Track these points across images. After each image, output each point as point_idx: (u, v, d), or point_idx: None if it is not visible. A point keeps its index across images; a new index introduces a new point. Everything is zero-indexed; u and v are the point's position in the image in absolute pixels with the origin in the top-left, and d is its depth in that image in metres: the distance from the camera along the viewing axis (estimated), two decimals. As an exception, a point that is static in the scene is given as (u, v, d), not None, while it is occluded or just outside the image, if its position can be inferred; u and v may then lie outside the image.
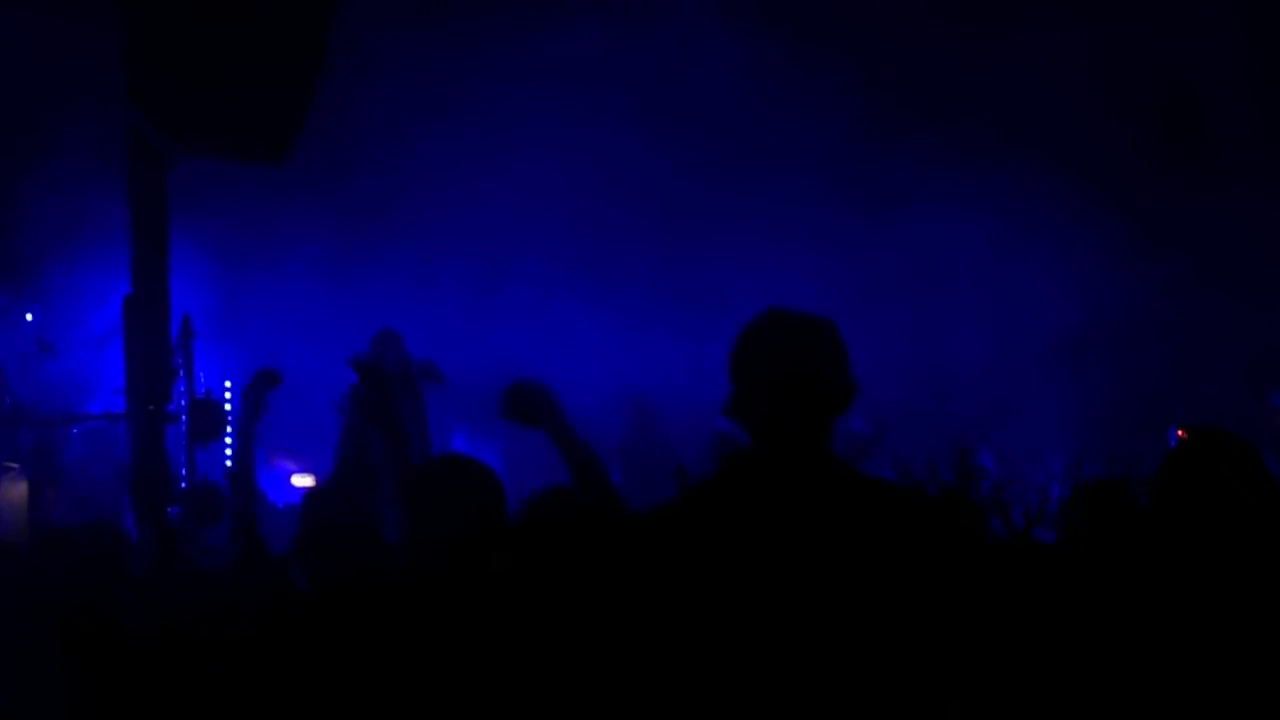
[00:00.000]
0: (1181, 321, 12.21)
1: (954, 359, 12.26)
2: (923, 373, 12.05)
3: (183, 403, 7.64)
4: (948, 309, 12.53)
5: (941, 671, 3.07)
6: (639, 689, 3.15)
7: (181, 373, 7.35)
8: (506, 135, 12.28)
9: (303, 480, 10.84)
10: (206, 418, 7.97)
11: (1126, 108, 12.15)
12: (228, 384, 12.78)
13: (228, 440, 12.56)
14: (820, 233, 12.03)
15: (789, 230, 12.17)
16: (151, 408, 5.97)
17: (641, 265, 12.90)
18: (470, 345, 11.96)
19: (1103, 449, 9.86)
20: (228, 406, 12.19)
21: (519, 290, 12.63)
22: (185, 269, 9.67)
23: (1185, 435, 4.61)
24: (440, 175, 12.40)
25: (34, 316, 11.74)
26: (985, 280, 12.48)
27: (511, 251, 12.69)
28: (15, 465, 10.77)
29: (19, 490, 10.50)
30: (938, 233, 12.08)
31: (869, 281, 12.07)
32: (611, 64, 12.22)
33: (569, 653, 3.46)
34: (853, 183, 12.33)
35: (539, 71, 12.12)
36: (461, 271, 12.61)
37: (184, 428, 7.78)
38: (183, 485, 7.49)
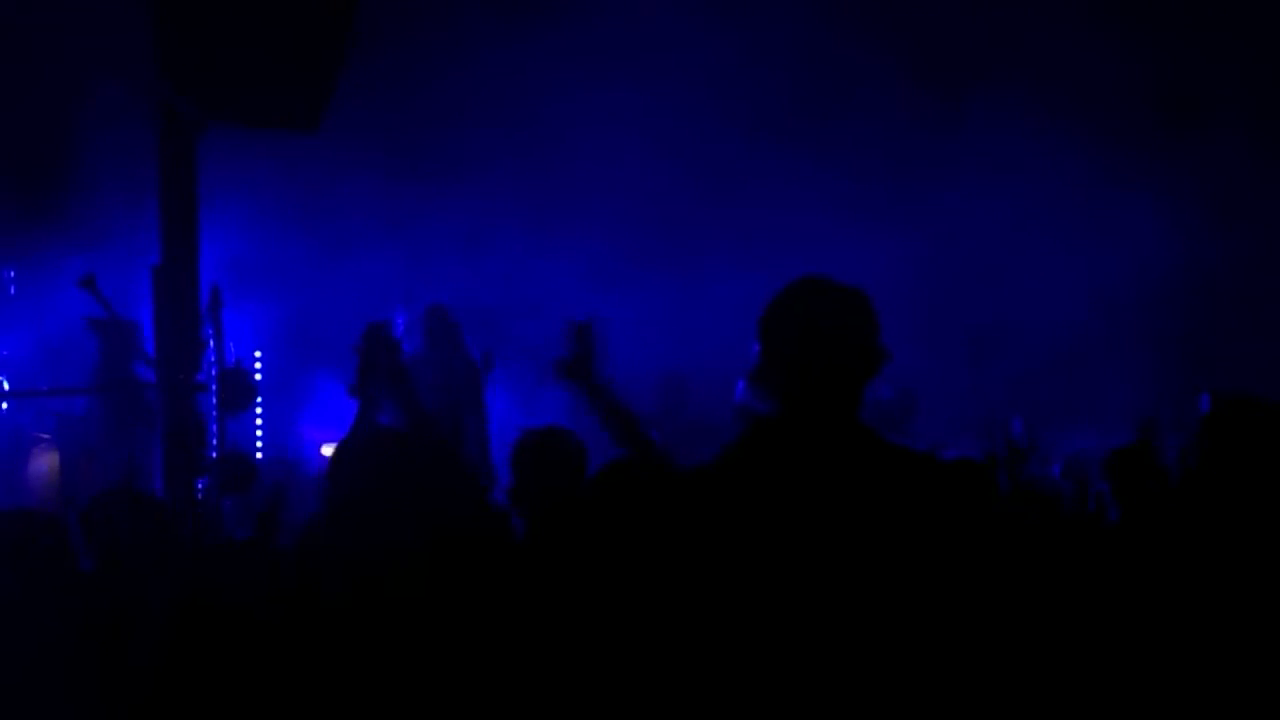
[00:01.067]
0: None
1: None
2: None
3: (213, 372, 7.62)
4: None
5: (963, 638, 3.06)
6: (665, 661, 3.15)
7: (211, 342, 7.33)
8: (560, 105, 12.26)
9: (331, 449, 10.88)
10: (236, 388, 7.96)
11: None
12: (258, 354, 12.82)
13: (258, 410, 12.64)
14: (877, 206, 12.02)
15: (849, 200, 12.13)
16: (181, 377, 5.92)
17: (693, 235, 12.92)
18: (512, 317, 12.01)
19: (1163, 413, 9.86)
20: (258, 376, 12.24)
21: (565, 260, 12.61)
22: (223, 229, 9.73)
23: (1214, 401, 4.57)
24: (492, 141, 12.45)
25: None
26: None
27: (559, 222, 12.68)
28: (47, 436, 10.82)
29: (50, 461, 10.56)
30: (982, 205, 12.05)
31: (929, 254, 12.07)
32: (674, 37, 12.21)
33: (594, 628, 3.46)
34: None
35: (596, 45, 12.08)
36: (507, 240, 12.64)
37: (213, 398, 7.76)
38: (213, 455, 7.47)
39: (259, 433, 12.93)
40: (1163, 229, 11.79)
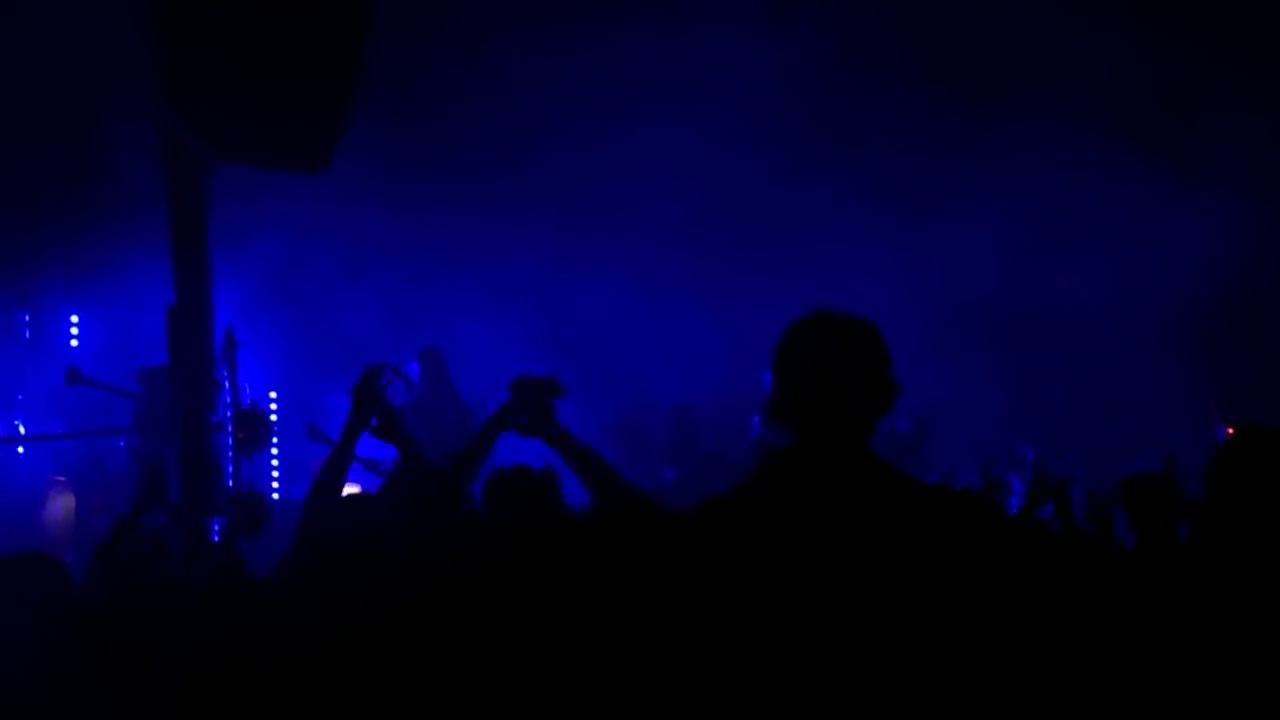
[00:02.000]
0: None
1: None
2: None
3: (228, 414, 7.64)
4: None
5: (977, 668, 3.05)
6: (677, 687, 3.14)
7: (226, 384, 7.36)
8: (579, 123, 12.30)
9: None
10: (252, 428, 7.97)
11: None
12: (273, 394, 12.85)
13: (273, 451, 12.66)
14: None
15: (873, 225, 12.14)
16: (197, 415, 5.94)
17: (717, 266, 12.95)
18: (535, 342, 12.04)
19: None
20: (273, 417, 12.26)
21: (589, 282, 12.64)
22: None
23: (1233, 432, 4.56)
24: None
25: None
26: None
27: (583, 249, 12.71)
28: (63, 479, 10.85)
29: (66, 503, 10.58)
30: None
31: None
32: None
33: (607, 653, 3.45)
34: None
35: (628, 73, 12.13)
36: (530, 266, 12.67)
37: (229, 438, 7.77)
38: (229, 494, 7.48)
39: (275, 473, 12.95)
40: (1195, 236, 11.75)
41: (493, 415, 4.63)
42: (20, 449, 11.49)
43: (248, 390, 9.27)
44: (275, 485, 12.89)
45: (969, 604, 3.06)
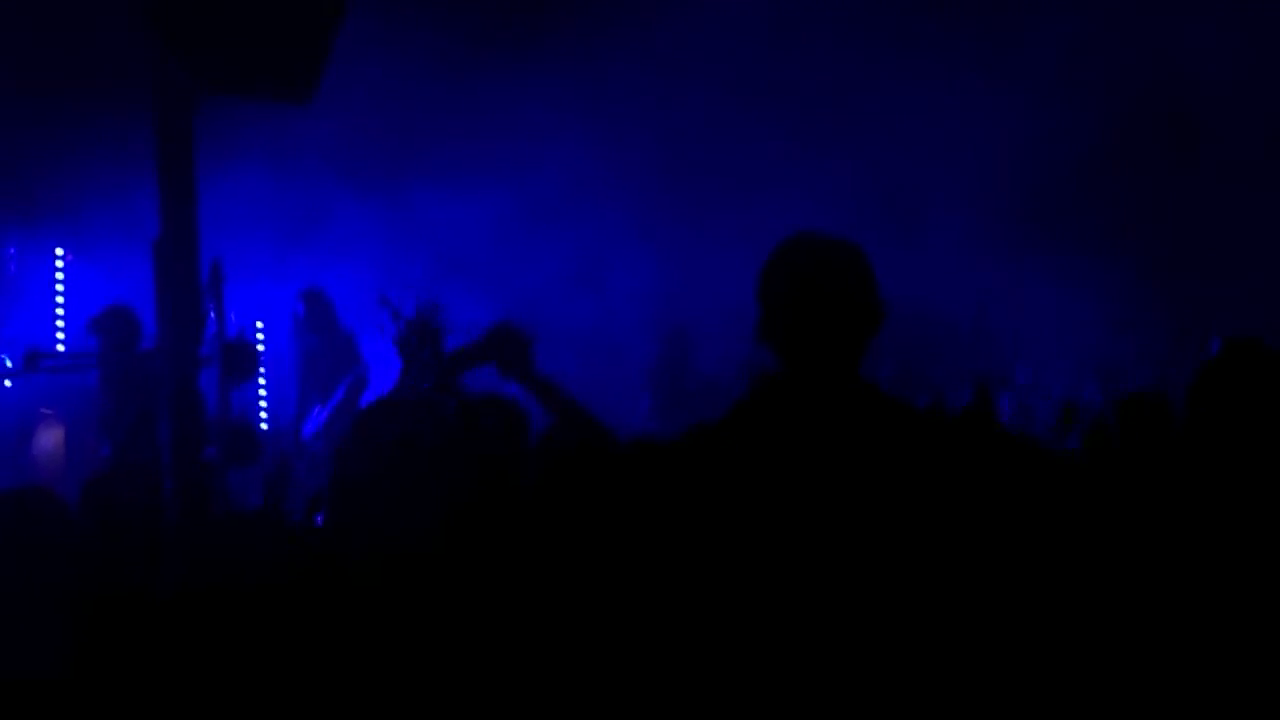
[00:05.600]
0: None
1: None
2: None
3: (215, 345, 7.63)
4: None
5: (973, 593, 3.07)
6: (670, 618, 3.15)
7: (213, 315, 7.34)
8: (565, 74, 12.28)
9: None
10: (239, 359, 7.96)
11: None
12: (260, 324, 12.84)
13: (260, 381, 12.67)
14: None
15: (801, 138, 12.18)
16: (185, 348, 5.93)
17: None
18: (498, 279, 12.02)
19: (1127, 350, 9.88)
20: (260, 347, 12.26)
21: (559, 217, 12.65)
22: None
23: (1223, 346, 4.57)
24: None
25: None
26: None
27: (554, 179, 12.70)
28: (50, 411, 10.84)
29: (55, 437, 10.58)
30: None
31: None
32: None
33: (600, 587, 3.45)
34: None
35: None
36: (497, 203, 12.65)
37: (216, 370, 7.76)
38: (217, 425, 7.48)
39: (263, 404, 12.97)
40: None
41: (460, 351, 4.62)
42: (8, 383, 11.46)
43: (234, 321, 9.26)
44: (263, 415, 12.91)
45: (965, 529, 3.09)
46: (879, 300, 3.25)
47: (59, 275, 12.35)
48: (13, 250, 12.39)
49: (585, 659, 3.31)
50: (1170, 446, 5.26)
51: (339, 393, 11.23)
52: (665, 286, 12.71)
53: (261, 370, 12.04)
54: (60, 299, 12.31)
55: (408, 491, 3.72)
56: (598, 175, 12.63)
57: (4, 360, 11.62)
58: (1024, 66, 11.97)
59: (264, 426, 12.53)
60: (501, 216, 12.62)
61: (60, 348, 11.97)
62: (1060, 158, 12.18)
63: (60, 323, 12.28)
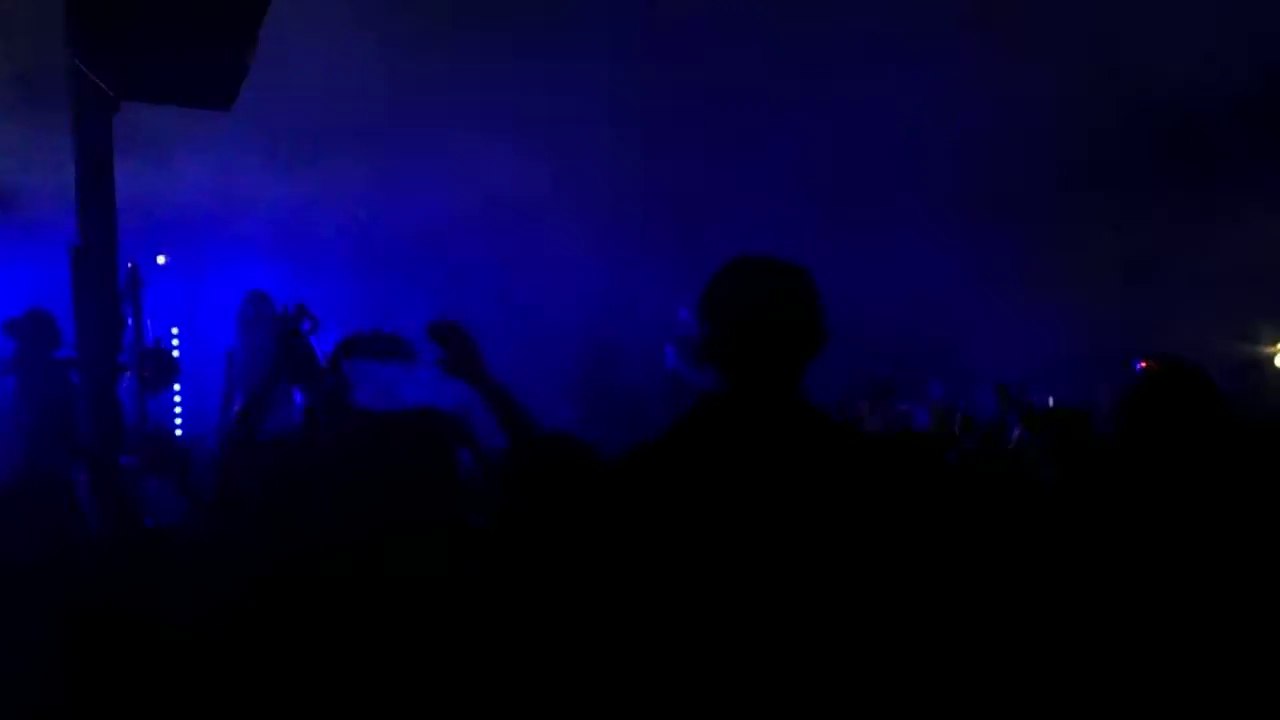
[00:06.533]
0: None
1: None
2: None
3: (132, 352, 7.58)
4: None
5: (914, 611, 3.11)
6: (616, 640, 3.16)
7: (130, 321, 7.30)
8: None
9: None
10: (158, 366, 7.92)
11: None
12: (175, 330, 12.74)
13: (176, 388, 12.56)
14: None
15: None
16: (103, 355, 5.91)
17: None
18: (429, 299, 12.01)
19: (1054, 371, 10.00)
20: (176, 354, 12.16)
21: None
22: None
23: (1147, 367, 4.67)
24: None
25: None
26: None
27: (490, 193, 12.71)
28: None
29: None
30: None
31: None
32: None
33: (548, 605, 3.46)
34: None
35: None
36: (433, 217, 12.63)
37: (133, 378, 7.72)
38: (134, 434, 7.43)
39: (178, 410, 12.86)
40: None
41: (352, 338, 4.65)
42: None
43: (150, 328, 9.20)
44: (178, 423, 12.80)
45: (900, 549, 3.12)
46: (822, 323, 3.28)
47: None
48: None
49: (542, 682, 3.34)
50: (1091, 460, 5.36)
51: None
52: (600, 301, 12.69)
53: (178, 377, 11.95)
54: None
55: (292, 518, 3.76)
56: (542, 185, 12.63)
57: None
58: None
59: (179, 433, 12.44)
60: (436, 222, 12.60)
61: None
62: (1032, 160, 12.28)
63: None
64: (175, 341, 12.97)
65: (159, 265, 12.87)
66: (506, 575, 3.44)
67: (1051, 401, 8.78)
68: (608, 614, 3.15)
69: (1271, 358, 13.56)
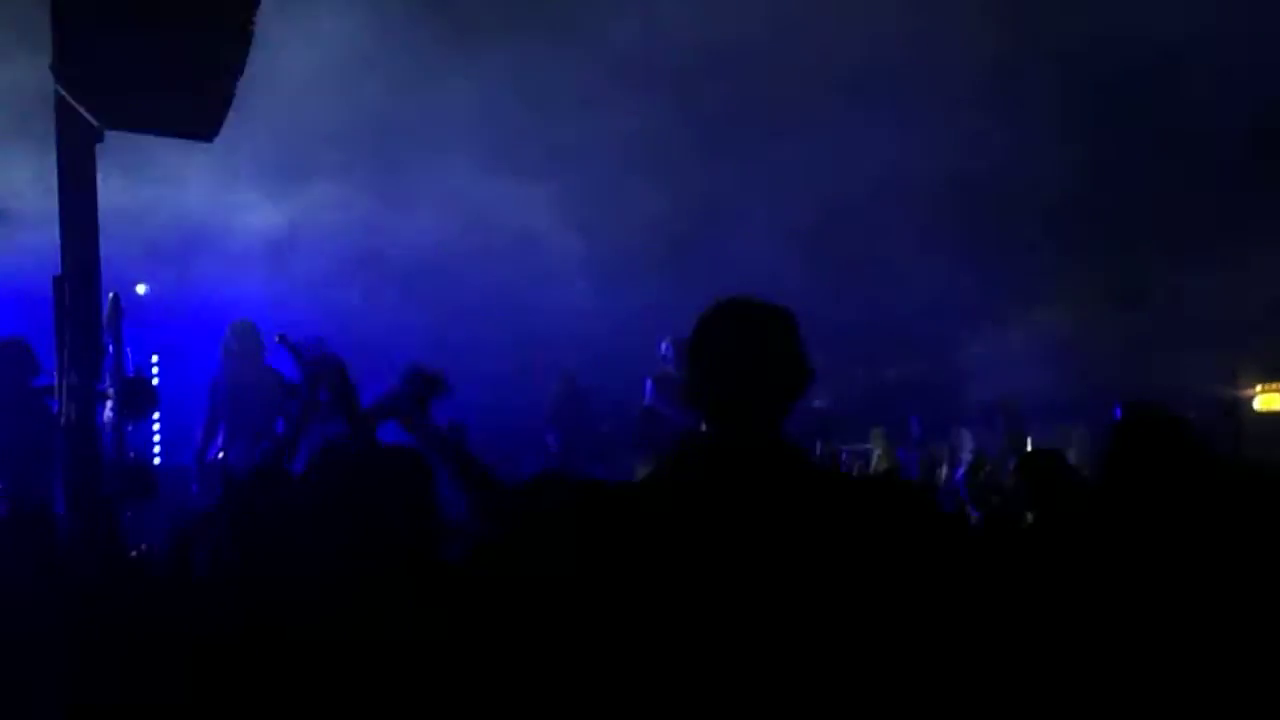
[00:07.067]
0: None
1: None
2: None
3: (113, 381, 7.57)
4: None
5: (901, 656, 3.12)
6: (596, 685, 3.16)
7: (111, 350, 7.29)
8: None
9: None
10: (137, 395, 7.91)
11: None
12: (155, 358, 12.73)
13: (155, 417, 12.54)
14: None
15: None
16: (84, 384, 5.90)
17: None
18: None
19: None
20: (155, 382, 12.15)
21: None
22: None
23: (1125, 412, 4.73)
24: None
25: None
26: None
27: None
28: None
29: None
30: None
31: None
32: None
33: (524, 649, 3.45)
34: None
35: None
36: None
37: (113, 407, 7.70)
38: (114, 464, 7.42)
39: (156, 438, 12.85)
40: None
41: (383, 401, 4.63)
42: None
43: (130, 357, 9.19)
44: (157, 452, 12.79)
45: (886, 594, 3.13)
46: (805, 364, 3.30)
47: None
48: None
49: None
50: (1070, 501, 5.39)
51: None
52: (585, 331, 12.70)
53: (158, 406, 11.92)
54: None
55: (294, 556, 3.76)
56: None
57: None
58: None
59: (157, 462, 12.42)
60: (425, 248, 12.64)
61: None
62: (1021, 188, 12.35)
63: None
64: (155, 370, 12.96)
65: (138, 295, 12.87)
66: (480, 619, 3.43)
67: (1030, 444, 8.83)
68: (588, 658, 3.15)
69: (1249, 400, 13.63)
